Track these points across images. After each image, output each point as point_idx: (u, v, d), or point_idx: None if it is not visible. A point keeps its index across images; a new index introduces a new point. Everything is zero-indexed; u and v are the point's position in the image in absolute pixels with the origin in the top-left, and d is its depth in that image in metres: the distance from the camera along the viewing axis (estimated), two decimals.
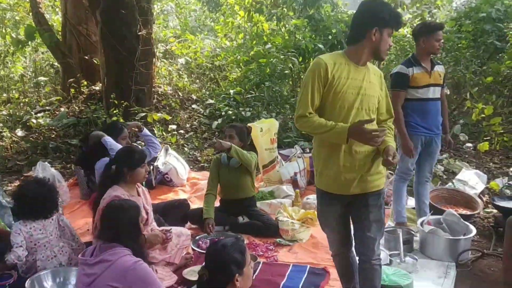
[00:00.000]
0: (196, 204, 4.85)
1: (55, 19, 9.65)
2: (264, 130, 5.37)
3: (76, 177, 5.42)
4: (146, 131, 4.58)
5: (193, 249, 3.67)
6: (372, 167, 2.37)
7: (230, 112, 7.50)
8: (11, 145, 6.51)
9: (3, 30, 9.91)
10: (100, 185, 3.34)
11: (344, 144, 2.26)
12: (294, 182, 5.19)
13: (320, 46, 7.83)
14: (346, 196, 2.39)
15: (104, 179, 3.30)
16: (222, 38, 11.19)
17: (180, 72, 9.57)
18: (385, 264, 3.14)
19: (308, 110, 2.28)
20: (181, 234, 3.37)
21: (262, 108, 7.51)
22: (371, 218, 2.39)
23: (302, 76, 8.08)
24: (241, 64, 9.32)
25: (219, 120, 7.48)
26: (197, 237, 3.86)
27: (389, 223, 4.11)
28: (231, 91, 8.21)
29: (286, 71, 7.58)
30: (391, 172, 4.94)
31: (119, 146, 4.13)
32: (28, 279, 3.05)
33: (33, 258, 3.09)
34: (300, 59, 7.88)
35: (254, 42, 9.49)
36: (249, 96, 7.77)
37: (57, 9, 10.45)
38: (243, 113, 7.38)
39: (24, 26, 9.83)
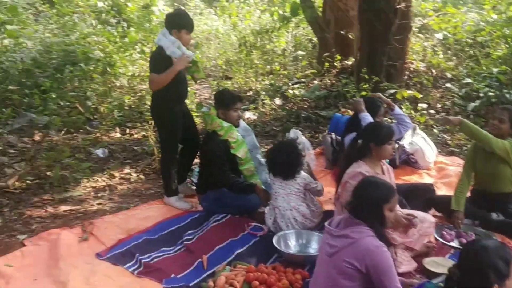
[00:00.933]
0: (442, 190, 4.51)
1: None
2: None
3: (322, 147, 5.71)
4: (397, 109, 4.41)
5: (436, 238, 3.44)
6: None
7: (491, 94, 6.63)
8: (270, 112, 7.27)
9: (272, 8, 11.07)
10: (346, 158, 3.40)
11: None
12: None
13: None
14: None
15: (350, 152, 3.35)
16: (489, 10, 9.92)
17: (436, 48, 8.93)
18: None
19: None
20: (424, 220, 3.18)
21: None
22: None
23: None
24: (509, 39, 8.10)
25: (477, 102, 6.71)
26: (442, 226, 3.60)
27: None
28: (494, 70, 7.24)
29: None
30: None
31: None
32: (275, 235, 3.40)
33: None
34: None
35: None
36: None
37: None
38: (507, 95, 6.43)
39: (290, 3, 10.77)
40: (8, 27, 7.27)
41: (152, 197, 4.42)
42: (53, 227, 3.75)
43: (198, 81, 8.49)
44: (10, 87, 6.52)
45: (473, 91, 7.21)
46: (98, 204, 4.24)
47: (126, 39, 7.83)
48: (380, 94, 4.78)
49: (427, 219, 3.23)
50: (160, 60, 3.83)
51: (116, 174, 4.93)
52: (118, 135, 6.20)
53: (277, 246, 3.27)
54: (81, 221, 3.82)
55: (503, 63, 7.65)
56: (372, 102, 4.35)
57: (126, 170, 5.04)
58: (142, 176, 4.95)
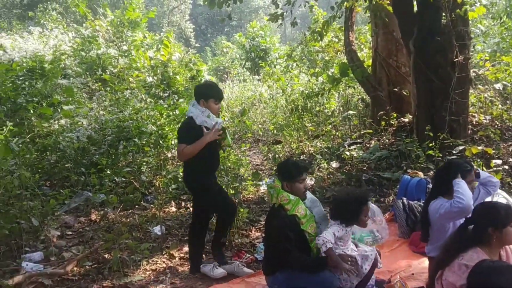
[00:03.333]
0: None
1: (361, 54, 10.09)
2: None
3: (392, 213, 5.28)
4: (483, 173, 3.79)
5: None
6: None
7: None
8: (328, 176, 6.93)
9: (316, 70, 11.03)
10: (451, 243, 2.93)
11: None
12: None
13: None
14: None
15: (459, 238, 2.90)
16: None
17: (493, 99, 8.47)
18: None
19: None
20: None
21: None
22: None
23: None
24: None
25: None
26: None
27: None
28: None
29: None
30: None
31: (469, 194, 3.33)
32: None
33: None
34: None
35: None
36: None
37: (362, 46, 10.99)
38: None
39: (335, 64, 10.71)
40: (64, 107, 7.47)
41: (217, 279, 4.09)
42: None
43: (246, 148, 8.40)
44: (67, 165, 6.55)
45: None
46: None
47: (177, 111, 7.86)
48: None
49: None
50: (189, 130, 3.96)
51: (176, 253, 4.66)
52: (173, 209, 6.01)
53: None
54: None
55: None
56: (459, 165, 3.76)
57: (186, 249, 4.77)
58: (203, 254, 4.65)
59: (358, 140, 8.00)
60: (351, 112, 9.36)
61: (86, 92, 10.30)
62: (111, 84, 9.30)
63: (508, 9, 14.18)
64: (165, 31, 11.60)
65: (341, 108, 10.14)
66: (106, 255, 4.49)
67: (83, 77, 10.84)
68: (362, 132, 8.17)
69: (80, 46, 11.87)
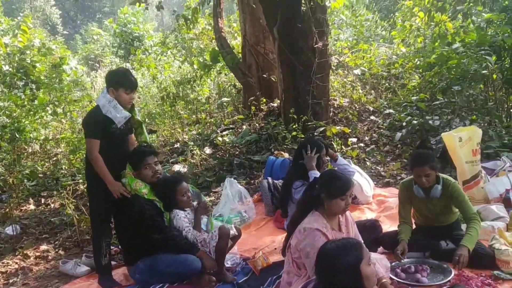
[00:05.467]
0: (386, 224, 4.37)
1: (235, 43, 10.24)
2: (464, 139, 4.62)
3: (260, 193, 5.44)
4: (341, 159, 4.16)
5: (391, 278, 3.21)
6: None
7: (414, 122, 6.81)
8: (201, 162, 6.92)
9: (191, 58, 10.94)
10: (299, 207, 3.07)
11: None
12: (506, 201, 4.32)
13: None
14: None
15: (304, 202, 3.04)
16: (398, 44, 10.52)
17: (353, 84, 9.21)
18: None
19: None
20: (381, 265, 2.93)
21: (454, 116, 6.63)
22: None
23: (495, 77, 7.01)
24: (421, 69, 8.54)
25: (403, 131, 6.85)
26: (392, 264, 3.39)
27: None
28: (413, 98, 7.51)
29: (484, 71, 6.57)
30: None
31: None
32: None
33: None
34: (494, 58, 6.82)
35: (437, 43, 8.61)
36: (437, 102, 6.95)
37: (235, 34, 11.16)
38: (430, 122, 6.62)
39: (209, 52, 10.71)
40: None
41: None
42: None
43: None
44: None
45: (396, 121, 7.40)
46: None
47: (36, 102, 7.21)
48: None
49: (383, 263, 2.99)
50: (95, 122, 3.53)
51: (31, 253, 4.28)
52: (32, 207, 5.52)
53: None
54: None
55: (418, 91, 7.99)
56: (314, 142, 4.06)
57: (43, 247, 4.41)
58: (62, 252, 4.34)
59: (231, 126, 8.12)
60: (224, 99, 9.47)
61: None
62: None
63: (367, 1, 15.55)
64: (23, 15, 10.47)
65: (216, 96, 10.21)
66: None
67: None
68: (234, 118, 8.30)
69: None
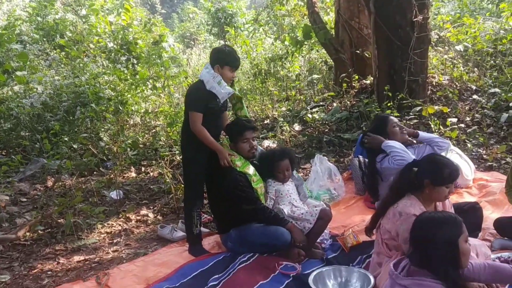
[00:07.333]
0: (488, 210, 4.09)
1: (328, 19, 10.01)
2: None
3: (350, 171, 5.34)
4: (422, 133, 4.01)
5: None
6: None
7: None
8: (290, 139, 6.94)
9: (282, 35, 10.89)
10: (393, 189, 2.94)
11: None
12: None
13: None
14: None
15: (399, 183, 2.90)
16: (507, 18, 9.58)
17: (454, 61, 8.58)
18: None
19: None
20: (480, 253, 2.74)
21: None
22: None
23: None
24: None
25: (510, 112, 6.29)
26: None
27: None
28: None
29: None
30: None
31: (401, 146, 3.66)
32: (311, 275, 3.03)
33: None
34: None
35: None
36: None
37: (328, 10, 10.88)
38: None
39: (300, 28, 10.59)
40: (18, 73, 7.17)
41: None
42: (65, 281, 3.43)
43: None
44: (22, 132, 6.35)
45: (502, 101, 6.81)
46: (114, 251, 3.92)
47: (137, 77, 7.67)
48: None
49: (482, 251, 2.80)
50: (198, 97, 3.65)
51: (132, 216, 4.61)
52: (133, 174, 5.93)
53: (313, 286, 2.89)
54: (95, 272, 3.50)
55: None
56: (380, 119, 3.98)
57: (143, 212, 4.73)
58: (160, 217, 4.63)
59: (321, 103, 8.01)
60: (315, 76, 9.34)
61: (44, 59, 9.91)
62: (67, 49, 8.96)
63: None
64: None
65: (306, 73, 10.11)
66: (60, 220, 4.40)
67: (40, 43, 10.41)
68: (324, 95, 8.17)
69: (36, 11, 11.34)
